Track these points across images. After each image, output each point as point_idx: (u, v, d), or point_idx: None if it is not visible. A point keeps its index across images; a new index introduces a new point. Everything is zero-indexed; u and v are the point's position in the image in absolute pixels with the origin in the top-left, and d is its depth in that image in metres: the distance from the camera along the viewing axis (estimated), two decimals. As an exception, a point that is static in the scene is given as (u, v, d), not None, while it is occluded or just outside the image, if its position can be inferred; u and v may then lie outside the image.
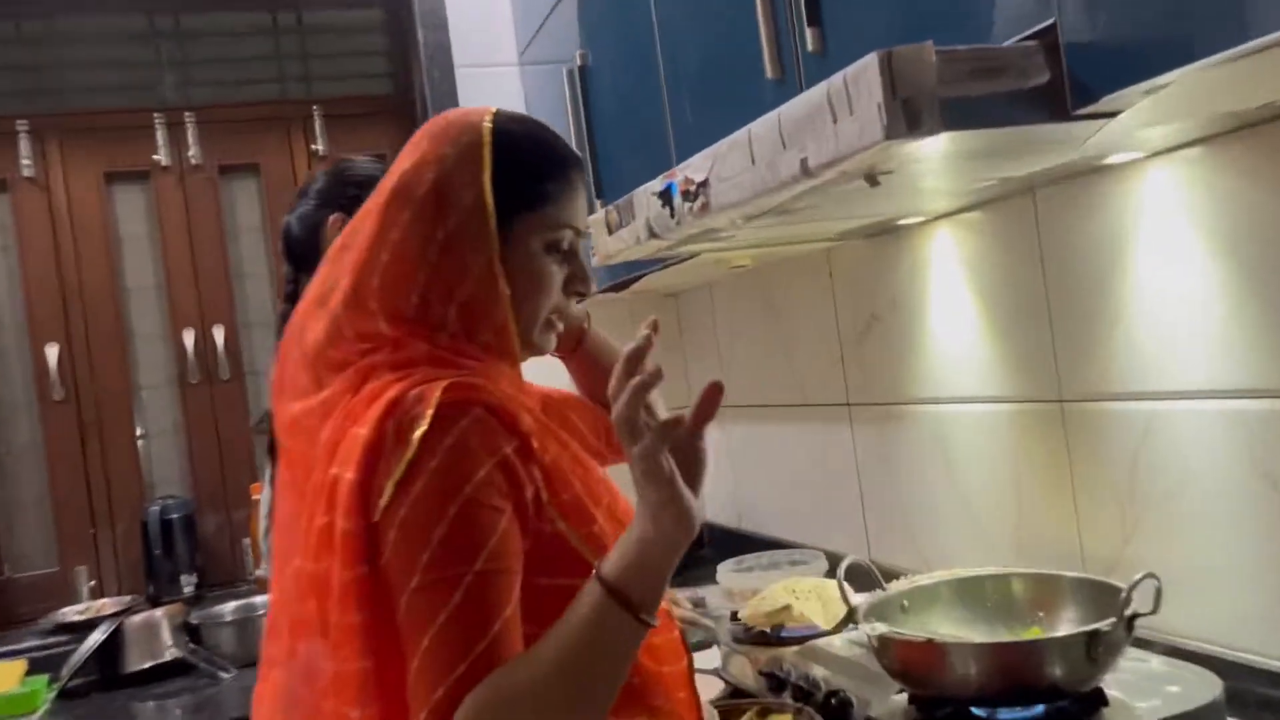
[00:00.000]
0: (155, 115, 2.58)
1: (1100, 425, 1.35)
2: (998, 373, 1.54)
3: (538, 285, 0.96)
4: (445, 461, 0.82)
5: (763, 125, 1.05)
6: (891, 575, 1.86)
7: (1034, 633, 1.22)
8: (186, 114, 2.59)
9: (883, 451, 1.86)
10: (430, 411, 0.83)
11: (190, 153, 2.59)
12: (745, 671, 1.50)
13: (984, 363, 1.56)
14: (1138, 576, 1.06)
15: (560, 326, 1.01)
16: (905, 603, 1.28)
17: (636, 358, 0.82)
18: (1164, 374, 1.25)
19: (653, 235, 1.40)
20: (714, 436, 2.52)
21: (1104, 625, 1.05)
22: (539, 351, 1.00)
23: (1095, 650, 1.04)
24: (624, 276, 2.00)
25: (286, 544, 0.96)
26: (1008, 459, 1.54)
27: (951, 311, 1.62)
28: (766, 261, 2.04)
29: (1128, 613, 1.06)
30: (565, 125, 2.02)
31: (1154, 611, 1.05)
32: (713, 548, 2.38)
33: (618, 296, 2.34)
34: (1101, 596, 1.16)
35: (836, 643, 1.44)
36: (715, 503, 2.53)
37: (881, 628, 1.17)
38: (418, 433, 0.83)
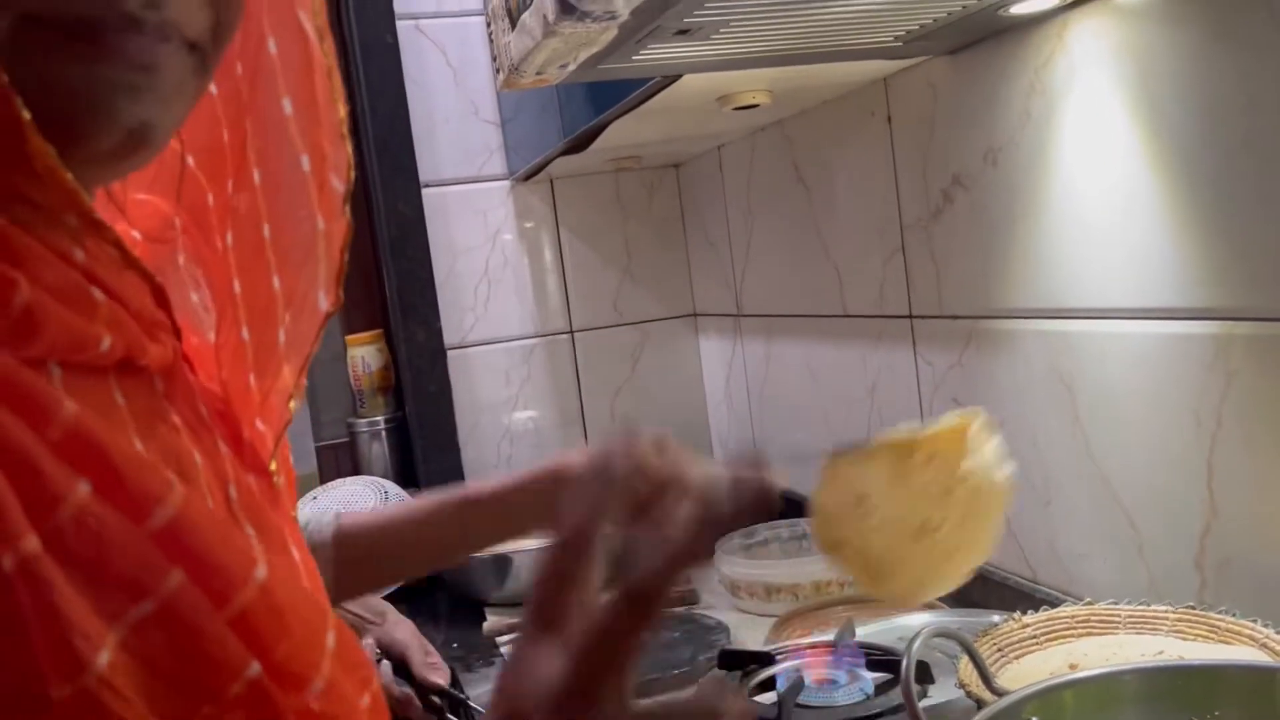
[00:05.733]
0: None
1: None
2: (1180, 270, 0.90)
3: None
4: None
5: None
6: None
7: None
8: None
9: (965, 388, 1.23)
10: None
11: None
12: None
13: (1154, 253, 0.92)
14: None
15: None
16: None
17: None
18: None
19: (572, 12, 0.76)
20: (723, 353, 1.86)
21: None
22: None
23: None
24: (580, 129, 1.35)
25: None
26: (1190, 413, 0.91)
27: (1094, 171, 0.97)
28: (791, 103, 1.38)
29: None
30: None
31: None
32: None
33: (583, 164, 1.70)
34: None
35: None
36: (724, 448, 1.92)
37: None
38: None
